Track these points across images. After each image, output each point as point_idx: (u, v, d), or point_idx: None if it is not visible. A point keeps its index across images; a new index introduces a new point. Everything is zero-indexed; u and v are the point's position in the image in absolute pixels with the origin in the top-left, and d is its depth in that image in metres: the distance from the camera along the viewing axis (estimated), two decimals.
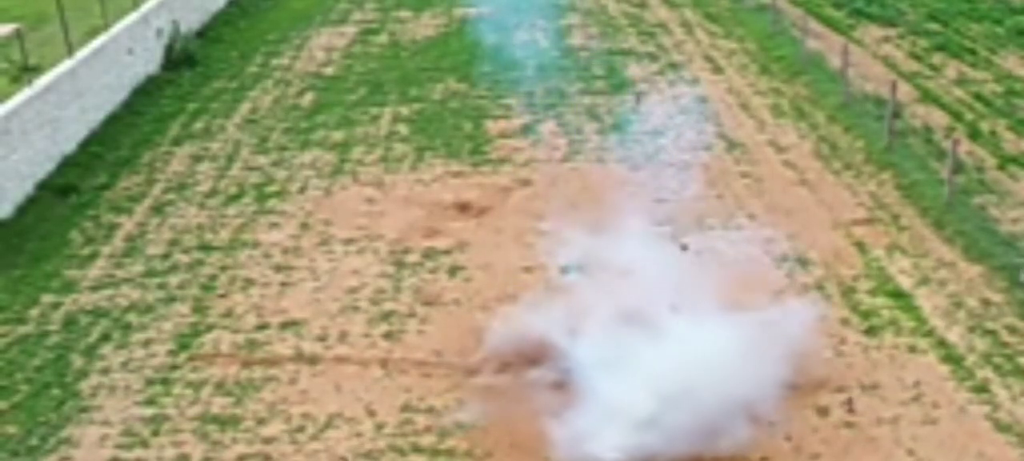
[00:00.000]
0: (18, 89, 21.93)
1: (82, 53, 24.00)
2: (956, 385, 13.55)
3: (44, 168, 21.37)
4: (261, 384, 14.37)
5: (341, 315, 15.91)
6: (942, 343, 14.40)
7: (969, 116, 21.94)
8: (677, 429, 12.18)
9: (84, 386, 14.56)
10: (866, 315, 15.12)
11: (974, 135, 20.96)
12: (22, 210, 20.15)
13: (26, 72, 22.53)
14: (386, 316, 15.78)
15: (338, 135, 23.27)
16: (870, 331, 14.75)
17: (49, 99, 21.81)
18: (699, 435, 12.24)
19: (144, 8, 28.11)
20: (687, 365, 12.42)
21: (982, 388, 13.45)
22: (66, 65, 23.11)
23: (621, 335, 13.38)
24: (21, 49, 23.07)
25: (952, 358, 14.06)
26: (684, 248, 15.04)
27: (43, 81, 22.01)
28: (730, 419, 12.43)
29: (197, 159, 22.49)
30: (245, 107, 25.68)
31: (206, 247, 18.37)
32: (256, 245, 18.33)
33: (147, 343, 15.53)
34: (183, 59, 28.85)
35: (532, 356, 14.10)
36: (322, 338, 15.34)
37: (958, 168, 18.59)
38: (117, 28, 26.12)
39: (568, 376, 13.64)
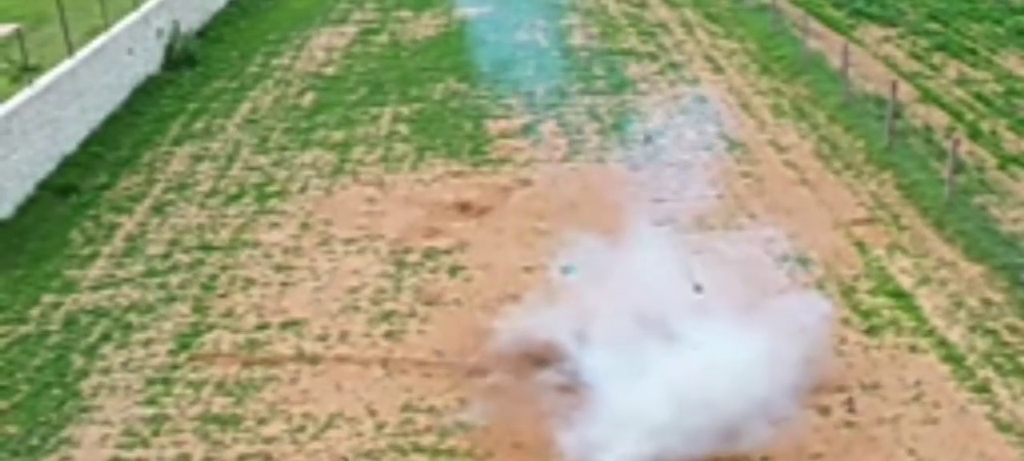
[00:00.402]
0: (18, 89, 21.92)
1: (82, 53, 23.99)
2: (957, 385, 13.54)
3: (44, 168, 21.36)
4: (262, 384, 14.36)
5: (342, 315, 15.91)
6: (943, 343, 14.39)
7: (969, 116, 21.93)
8: (693, 433, 12.19)
9: (85, 386, 14.55)
10: (867, 315, 15.11)
11: (974, 135, 20.95)
12: (22, 210, 20.13)
13: (26, 72, 22.53)
14: (387, 316, 15.77)
15: (338, 135, 23.26)
16: (871, 331, 14.74)
17: (49, 99, 21.80)
18: (713, 438, 12.24)
19: (144, 8, 28.11)
20: (703, 372, 12.41)
21: (983, 388, 13.44)
22: (66, 65, 23.11)
23: (632, 338, 13.35)
24: (21, 49, 23.06)
25: (953, 358, 14.05)
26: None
27: (43, 81, 22.00)
28: (747, 422, 12.42)
29: (197, 159, 22.48)
30: (245, 107, 25.67)
31: (206, 247, 18.36)
32: (257, 245, 18.32)
33: (148, 343, 15.52)
34: (183, 59, 28.84)
35: (539, 357, 14.09)
36: (323, 338, 15.33)
37: (959, 168, 18.58)
38: (117, 28, 26.12)
39: (575, 378, 13.62)
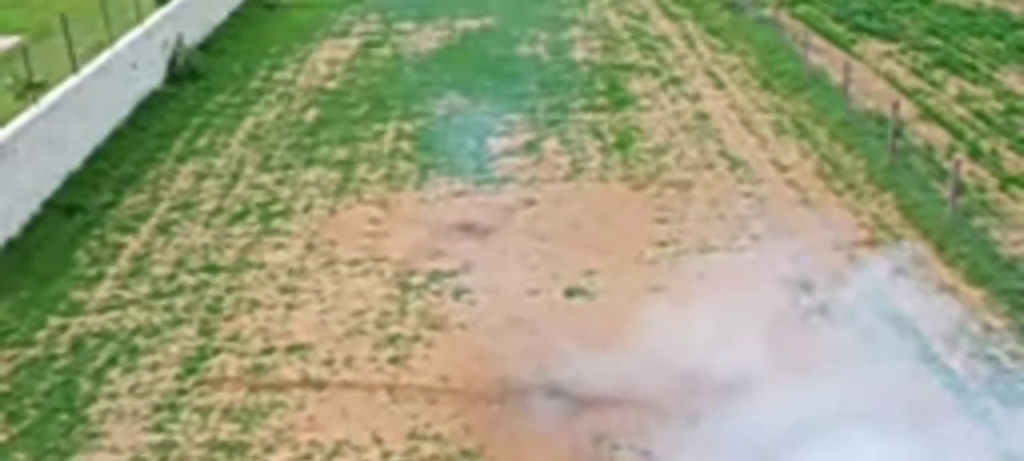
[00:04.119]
0: (23, 106, 22.01)
1: (87, 70, 24.06)
2: (957, 412, 13.61)
3: (49, 186, 21.40)
4: (268, 410, 14.44)
5: (347, 339, 15.99)
6: (944, 369, 14.48)
7: (970, 135, 22.02)
8: None
9: (92, 411, 14.62)
10: (868, 341, 15.18)
11: (975, 154, 21.03)
12: (28, 229, 20.13)
13: (31, 89, 22.59)
14: (392, 340, 15.86)
15: (342, 152, 23.36)
16: (872, 357, 14.81)
17: (54, 117, 21.86)
18: None
19: (148, 21, 28.19)
20: None
21: (984, 416, 13.52)
22: (71, 82, 23.17)
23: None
24: (26, 64, 23.09)
25: (954, 385, 14.14)
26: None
27: (48, 99, 22.05)
28: None
29: (201, 176, 22.58)
30: (249, 123, 25.78)
31: (212, 268, 18.44)
32: (262, 266, 18.41)
33: (154, 367, 15.59)
34: (186, 73, 28.93)
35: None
36: (328, 362, 15.41)
37: (960, 189, 18.67)
38: (121, 43, 26.19)
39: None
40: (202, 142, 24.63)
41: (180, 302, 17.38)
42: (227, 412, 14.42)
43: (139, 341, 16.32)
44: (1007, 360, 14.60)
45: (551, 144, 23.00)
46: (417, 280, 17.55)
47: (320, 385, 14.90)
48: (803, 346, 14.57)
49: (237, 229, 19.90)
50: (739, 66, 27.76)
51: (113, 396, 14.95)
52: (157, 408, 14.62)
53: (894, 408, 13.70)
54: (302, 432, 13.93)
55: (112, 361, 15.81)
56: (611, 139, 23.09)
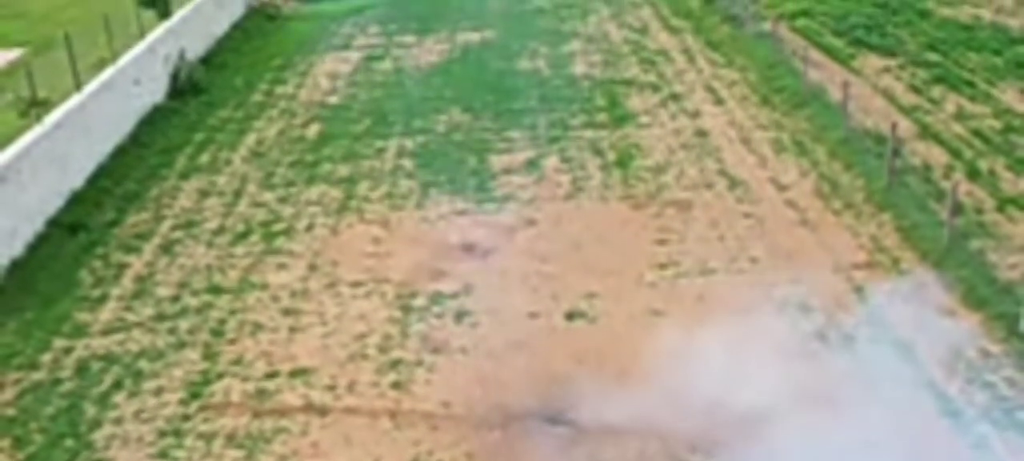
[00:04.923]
0: (27, 124, 22.12)
1: (90, 86, 24.18)
2: (955, 440, 13.75)
3: (53, 204, 21.52)
4: (272, 435, 14.57)
5: (350, 363, 16.12)
6: (941, 396, 14.62)
7: (968, 154, 22.12)
8: None
9: (98, 437, 14.75)
10: (866, 366, 15.32)
11: (973, 174, 21.14)
12: (32, 248, 20.26)
13: (34, 107, 22.70)
14: (394, 364, 15.99)
15: (344, 169, 23.50)
16: (870, 383, 14.95)
17: (58, 136, 21.99)
18: None
19: (151, 37, 28.31)
20: None
21: (981, 444, 13.65)
22: (74, 100, 23.29)
23: None
24: (29, 81, 23.17)
25: (951, 412, 14.27)
26: None
27: (52, 118, 22.17)
28: None
29: (204, 194, 22.71)
30: (251, 138, 25.91)
31: (215, 289, 18.57)
32: (264, 287, 18.54)
33: (158, 391, 15.73)
34: (189, 87, 29.05)
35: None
36: (331, 387, 15.54)
37: (957, 210, 18.79)
38: (124, 59, 26.30)
39: None
40: (205, 158, 24.77)
41: (184, 325, 17.52)
42: (231, 438, 14.56)
43: (143, 365, 16.46)
44: (1004, 386, 14.73)
45: (552, 162, 23.14)
46: (419, 302, 17.68)
47: (323, 411, 15.03)
48: (801, 372, 14.69)
49: (240, 249, 20.04)
50: (739, 82, 27.89)
51: (118, 421, 15.09)
52: (162, 434, 14.75)
53: (891, 435, 13.90)
54: (306, 459, 14.08)
55: (117, 385, 15.95)
56: (611, 157, 23.24)
